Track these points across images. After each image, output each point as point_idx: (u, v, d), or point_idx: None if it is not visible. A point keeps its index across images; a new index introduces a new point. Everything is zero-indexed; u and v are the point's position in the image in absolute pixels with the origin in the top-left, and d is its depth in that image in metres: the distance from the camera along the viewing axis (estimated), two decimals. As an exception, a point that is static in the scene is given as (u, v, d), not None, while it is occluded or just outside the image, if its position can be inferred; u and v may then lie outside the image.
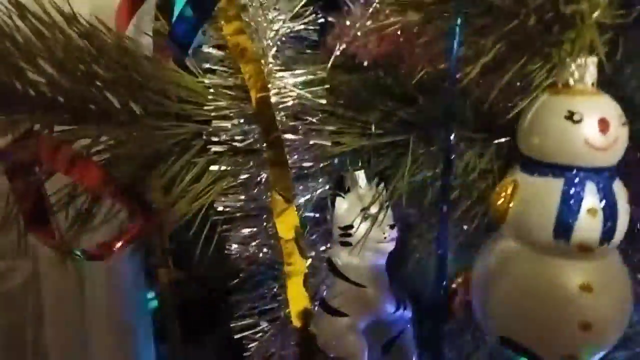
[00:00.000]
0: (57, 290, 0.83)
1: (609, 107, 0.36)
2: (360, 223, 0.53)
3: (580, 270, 0.37)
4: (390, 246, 0.55)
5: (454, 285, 0.48)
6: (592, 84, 0.37)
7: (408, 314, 0.58)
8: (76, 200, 0.44)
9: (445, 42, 0.43)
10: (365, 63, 0.54)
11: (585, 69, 0.37)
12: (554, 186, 0.36)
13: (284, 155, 0.42)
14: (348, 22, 0.56)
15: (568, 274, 0.37)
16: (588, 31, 0.34)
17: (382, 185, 0.53)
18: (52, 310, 0.84)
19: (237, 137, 0.42)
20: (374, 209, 0.53)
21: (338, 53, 0.54)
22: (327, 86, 0.45)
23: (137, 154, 0.41)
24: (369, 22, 0.53)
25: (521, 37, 0.37)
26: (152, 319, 0.88)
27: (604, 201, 0.36)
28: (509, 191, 0.38)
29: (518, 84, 0.40)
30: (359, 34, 0.54)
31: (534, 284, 0.38)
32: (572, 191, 0.36)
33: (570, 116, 0.36)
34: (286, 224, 0.44)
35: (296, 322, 0.44)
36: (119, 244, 0.44)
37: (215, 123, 0.41)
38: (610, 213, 0.36)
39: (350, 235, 0.54)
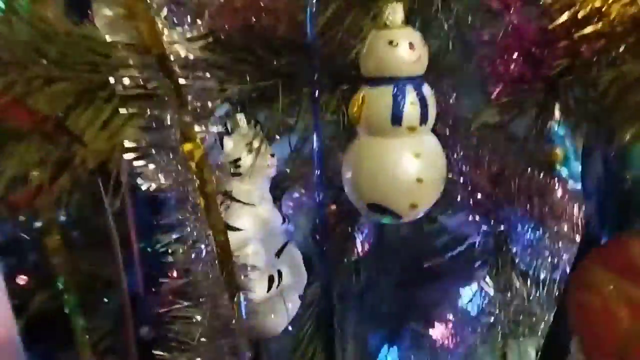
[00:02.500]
0: None
1: (414, 35, 0.55)
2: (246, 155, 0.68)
3: (412, 144, 0.56)
4: (273, 172, 0.71)
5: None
6: (402, 21, 0.56)
7: (291, 227, 0.74)
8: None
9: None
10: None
11: (396, 12, 0.55)
12: (387, 91, 0.55)
13: (183, 97, 0.55)
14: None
15: (405, 147, 0.55)
16: None
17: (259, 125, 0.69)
18: None
19: (140, 84, 0.53)
20: (255, 143, 0.68)
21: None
22: (209, 40, 0.58)
23: (59, 97, 0.53)
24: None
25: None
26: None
27: (418, 97, 0.55)
28: (360, 101, 0.56)
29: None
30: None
31: (384, 158, 0.55)
32: (398, 92, 0.54)
33: (390, 42, 0.54)
34: (194, 154, 0.57)
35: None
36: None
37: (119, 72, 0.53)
38: (423, 104, 0.55)
39: (239, 166, 0.69)
